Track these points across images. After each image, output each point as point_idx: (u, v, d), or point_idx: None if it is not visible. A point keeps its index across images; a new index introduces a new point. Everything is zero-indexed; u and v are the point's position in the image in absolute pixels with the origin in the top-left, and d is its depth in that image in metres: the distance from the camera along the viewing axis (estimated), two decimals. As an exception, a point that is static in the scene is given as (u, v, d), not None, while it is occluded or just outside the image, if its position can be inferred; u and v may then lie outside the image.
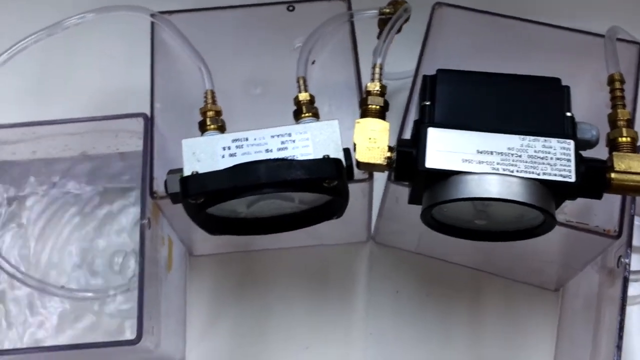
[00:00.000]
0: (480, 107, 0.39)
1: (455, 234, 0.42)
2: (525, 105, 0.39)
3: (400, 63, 0.54)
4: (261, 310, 0.56)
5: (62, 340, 0.49)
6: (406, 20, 0.48)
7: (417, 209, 0.42)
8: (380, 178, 0.47)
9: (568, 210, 0.47)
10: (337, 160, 0.38)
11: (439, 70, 0.40)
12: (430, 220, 0.41)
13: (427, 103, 0.39)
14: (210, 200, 0.38)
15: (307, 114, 0.43)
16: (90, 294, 0.46)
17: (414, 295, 0.56)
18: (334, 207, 0.43)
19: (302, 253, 0.58)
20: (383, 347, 0.54)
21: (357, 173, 0.42)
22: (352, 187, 0.41)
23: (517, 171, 0.37)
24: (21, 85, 0.61)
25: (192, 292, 0.56)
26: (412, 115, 0.46)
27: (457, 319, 0.55)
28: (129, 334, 0.47)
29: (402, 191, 0.45)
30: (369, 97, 0.41)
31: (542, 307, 0.56)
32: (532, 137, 0.38)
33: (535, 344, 0.55)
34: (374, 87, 0.41)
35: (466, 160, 0.37)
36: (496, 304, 0.56)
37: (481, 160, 0.37)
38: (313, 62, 0.47)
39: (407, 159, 0.38)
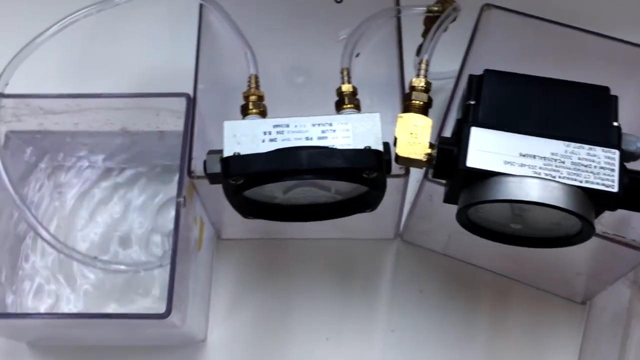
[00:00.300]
0: (525, 109, 0.39)
1: (489, 237, 0.42)
2: (572, 111, 0.39)
3: (439, 63, 0.54)
4: (284, 298, 0.56)
5: (91, 310, 0.50)
6: (453, 19, 0.47)
7: (450, 209, 0.42)
8: (413, 175, 0.47)
9: (605, 221, 0.46)
10: (379, 152, 0.38)
11: (486, 70, 0.40)
12: (465, 221, 0.41)
13: (472, 102, 0.39)
14: (249, 182, 0.38)
15: (349, 105, 0.43)
16: (122, 267, 0.47)
17: (438, 296, 0.56)
18: (369, 200, 0.43)
19: (329, 245, 0.58)
20: (404, 344, 0.54)
21: (394, 168, 0.42)
22: (388, 182, 0.41)
23: (560, 177, 0.37)
24: (68, 58, 0.62)
25: (218, 274, 0.57)
26: (453, 115, 0.46)
27: (480, 324, 0.55)
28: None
29: (437, 189, 0.45)
30: (414, 93, 0.41)
31: (567, 319, 0.55)
32: (576, 144, 0.37)
33: (557, 356, 0.54)
34: (419, 82, 0.41)
35: (508, 162, 0.37)
36: (520, 312, 0.56)
37: (523, 164, 0.37)
38: (357, 55, 0.47)
39: (447, 156, 0.38)
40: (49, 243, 0.45)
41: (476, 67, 0.45)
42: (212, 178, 0.41)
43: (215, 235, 0.58)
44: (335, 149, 0.38)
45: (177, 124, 0.50)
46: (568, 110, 0.39)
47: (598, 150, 0.37)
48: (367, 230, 0.57)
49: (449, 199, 0.41)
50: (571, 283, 0.55)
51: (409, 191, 0.49)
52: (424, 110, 0.41)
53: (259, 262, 0.58)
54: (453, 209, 0.42)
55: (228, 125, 0.41)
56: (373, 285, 0.57)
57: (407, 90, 0.42)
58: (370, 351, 0.54)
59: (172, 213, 0.54)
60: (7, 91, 0.47)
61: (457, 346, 0.55)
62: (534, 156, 0.37)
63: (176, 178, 0.56)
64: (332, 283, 0.57)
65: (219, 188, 0.43)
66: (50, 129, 0.51)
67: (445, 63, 0.53)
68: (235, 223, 0.57)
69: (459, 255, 0.57)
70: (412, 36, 0.50)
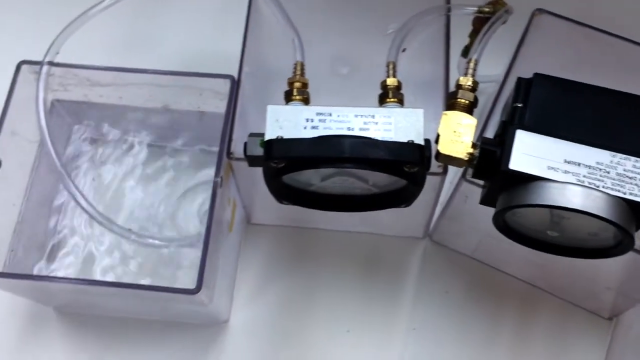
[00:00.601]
0: (573, 116, 0.38)
1: (524, 242, 0.42)
2: (620, 121, 0.38)
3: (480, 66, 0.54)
4: (308, 287, 0.56)
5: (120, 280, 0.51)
6: (504, 21, 0.47)
7: (485, 211, 0.42)
8: (448, 178, 0.46)
9: (642, 237, 0.46)
10: (422, 147, 0.38)
11: (536, 74, 0.40)
12: (502, 224, 0.41)
13: (519, 105, 0.39)
14: (290, 166, 0.38)
15: (392, 99, 0.43)
16: (156, 242, 0.48)
17: (463, 298, 0.56)
18: (405, 195, 0.43)
19: (357, 239, 0.58)
20: (424, 344, 0.54)
21: (432, 166, 0.42)
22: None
23: (603, 187, 0.36)
24: (116, 32, 0.63)
25: (245, 258, 0.57)
26: (496, 117, 0.46)
27: (503, 330, 0.55)
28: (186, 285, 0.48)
29: (473, 190, 0.44)
30: (460, 91, 0.41)
31: (592, 333, 0.54)
32: (623, 155, 0.37)
33: (579, 369, 0.54)
34: (466, 81, 0.41)
35: (552, 167, 0.37)
36: (545, 322, 0.55)
37: (567, 170, 0.37)
38: (404, 50, 0.47)
39: (490, 157, 0.38)
40: (86, 211, 0.46)
41: (522, 71, 0.45)
42: (251, 160, 0.42)
43: (246, 219, 0.58)
44: (379, 140, 0.38)
45: (218, 106, 0.51)
46: (617, 120, 0.38)
47: (645, 163, 0.37)
48: (396, 227, 0.57)
49: (486, 200, 0.41)
50: (599, 297, 0.54)
51: (443, 192, 0.49)
52: (469, 109, 0.40)
53: (286, 249, 0.58)
54: (487, 211, 0.41)
55: (271, 109, 0.41)
56: (398, 282, 0.57)
57: (452, 89, 0.42)
58: (389, 347, 0.54)
59: (204, 194, 0.56)
60: (57, 61, 0.48)
61: (478, 351, 0.54)
62: (579, 164, 0.37)
63: (211, 159, 0.57)
64: (357, 276, 0.57)
65: (254, 172, 0.44)
66: (94, 101, 0.52)
67: (487, 66, 0.53)
68: (266, 208, 0.57)
69: (487, 260, 0.56)
70: (458, 36, 0.50)
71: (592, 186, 0.36)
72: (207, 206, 0.54)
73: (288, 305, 0.56)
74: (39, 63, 0.47)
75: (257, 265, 0.57)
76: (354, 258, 0.58)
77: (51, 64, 0.48)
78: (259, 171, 0.43)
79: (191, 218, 0.55)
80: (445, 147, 0.39)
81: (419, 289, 0.56)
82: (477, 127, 0.40)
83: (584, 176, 0.37)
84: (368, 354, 0.54)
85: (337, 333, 0.55)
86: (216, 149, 0.46)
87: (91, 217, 0.46)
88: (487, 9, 0.47)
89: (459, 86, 0.41)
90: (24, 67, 0.48)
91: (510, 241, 0.42)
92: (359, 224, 0.58)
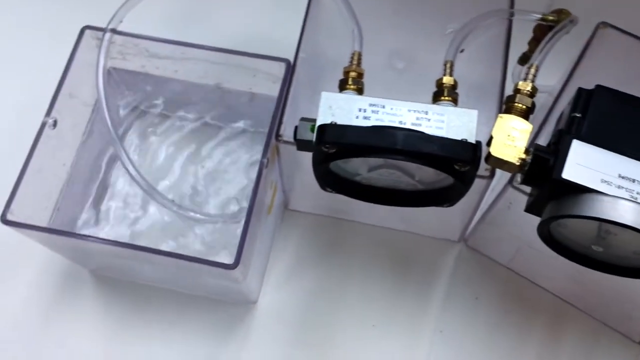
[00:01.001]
0: (632, 132, 0.38)
1: (566, 255, 0.41)
2: (681, 142, 0.37)
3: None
4: (338, 277, 0.57)
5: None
6: (567, 31, 0.46)
7: (528, 220, 0.41)
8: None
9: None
10: (475, 146, 0.38)
11: (598, 86, 0.39)
12: (546, 233, 0.40)
13: (578, 115, 0.38)
14: (341, 152, 0.38)
15: (447, 98, 0.43)
16: (198, 216, 0.48)
17: (493, 307, 0.55)
18: (450, 195, 0.43)
19: (391, 235, 0.58)
20: (450, 347, 0.54)
21: (480, 169, 0.42)
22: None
23: (657, 206, 0.36)
24: (176, 7, 0.64)
25: (279, 242, 0.58)
26: (549, 128, 0.45)
27: (530, 343, 0.54)
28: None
29: (518, 198, 0.44)
30: (518, 96, 0.40)
31: (621, 356, 0.54)
32: (681, 176, 0.36)
33: (605, 392, 0.53)
34: (526, 87, 0.41)
35: (605, 181, 0.36)
36: (573, 340, 0.54)
37: (621, 185, 0.36)
38: (462, 51, 0.46)
39: (542, 164, 0.38)
40: (133, 178, 0.47)
41: (581, 83, 0.44)
42: (300, 144, 0.42)
43: (284, 204, 0.59)
44: (433, 135, 0.38)
45: (270, 89, 0.51)
46: (677, 140, 0.38)
47: (702, 186, 0.36)
48: (433, 228, 0.57)
49: (531, 208, 0.41)
50: (633, 319, 0.53)
51: (484, 197, 0.49)
52: (526, 114, 0.40)
53: (320, 238, 0.58)
54: (530, 220, 0.41)
55: (325, 96, 0.41)
56: (429, 282, 0.56)
57: (509, 93, 0.42)
58: (414, 346, 0.54)
59: (245, 173, 0.56)
60: (119, 29, 0.49)
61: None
62: (633, 180, 0.36)
63: (258, 140, 0.58)
64: (388, 272, 0.57)
65: (299, 157, 0.44)
66: (151, 73, 0.53)
67: (540, 76, 0.52)
68: (305, 195, 0.57)
69: (522, 270, 0.56)
70: (515, 42, 0.50)
71: (646, 204, 0.36)
72: (246, 185, 0.56)
73: (316, 293, 0.56)
74: (102, 30, 0.49)
75: (290, 250, 0.58)
76: (387, 254, 0.58)
77: (114, 31, 0.49)
78: (303, 157, 0.43)
79: (232, 195, 0.55)
80: (497, 150, 0.39)
81: (449, 292, 0.56)
82: (531, 133, 0.40)
83: (638, 193, 0.36)
84: (392, 350, 0.54)
85: (362, 326, 0.55)
86: (263, 130, 0.46)
87: (137, 184, 0.47)
88: (551, 17, 0.47)
89: (517, 90, 0.41)
90: (87, 32, 0.50)
91: (549, 254, 0.42)
92: (395, 221, 0.58)
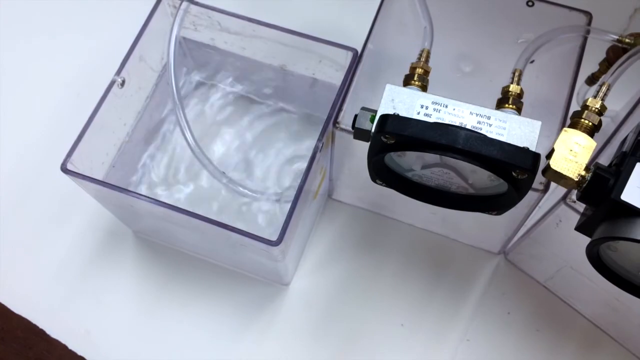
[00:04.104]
0: (699, 163, 0.37)
1: (612, 279, 0.40)
2: None
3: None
4: (372, 272, 0.57)
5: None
6: (642, 55, 0.46)
7: (575, 240, 0.41)
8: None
9: None
10: (536, 155, 0.37)
11: (670, 112, 0.38)
12: (595, 254, 0.40)
13: (646, 139, 0.38)
14: (400, 144, 0.39)
15: (511, 106, 0.43)
16: (246, 191, 0.49)
17: (525, 324, 0.55)
18: (501, 203, 0.43)
19: (431, 238, 0.58)
20: (474, 357, 0.54)
21: (535, 182, 0.41)
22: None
23: None
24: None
25: (318, 229, 0.58)
26: (612, 150, 0.44)
27: (558, 366, 0.54)
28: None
29: (569, 216, 0.44)
30: (586, 112, 0.40)
31: (651, 393, 0.53)
32: None
33: None
34: (595, 104, 0.40)
35: (664, 208, 0.36)
36: (603, 369, 0.54)
37: (681, 215, 0.35)
38: (532, 61, 0.46)
39: (601, 183, 0.37)
40: (190, 145, 0.48)
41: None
42: (358, 133, 0.42)
43: (328, 192, 0.59)
44: (495, 139, 0.38)
45: (332, 76, 0.52)
46: None
47: None
48: (474, 237, 0.57)
49: (583, 227, 0.40)
50: (668, 359, 0.52)
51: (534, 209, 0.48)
52: (591, 131, 0.40)
53: (358, 230, 0.59)
54: (578, 241, 0.40)
55: (389, 88, 0.42)
56: (462, 291, 0.56)
57: (577, 109, 0.41)
58: (439, 351, 0.54)
59: (297, 155, 0.57)
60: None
61: (528, 378, 0.53)
62: (695, 211, 0.35)
63: (310, 126, 0.58)
64: (421, 274, 0.57)
65: (353, 147, 0.45)
66: (219, 47, 0.54)
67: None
68: (350, 186, 0.58)
69: (560, 291, 0.55)
70: (586, 62, 0.49)
71: None
72: (295, 166, 0.56)
73: (348, 284, 0.56)
74: (180, -2, 0.50)
75: (328, 239, 0.58)
76: (424, 256, 0.58)
77: (191, 1, 0.50)
78: (357, 147, 0.44)
79: (280, 174, 0.56)
80: (557, 164, 0.38)
81: (482, 303, 0.56)
82: (594, 150, 0.39)
83: (698, 225, 0.35)
84: (417, 352, 0.54)
85: (390, 324, 0.55)
86: (320, 116, 0.46)
87: (193, 152, 0.48)
88: (627, 40, 0.46)
89: (585, 107, 0.40)
90: (165, 0, 0.51)
91: (590, 277, 0.42)
92: (437, 225, 0.58)
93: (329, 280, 0.57)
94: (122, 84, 0.48)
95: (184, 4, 0.50)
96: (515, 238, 0.54)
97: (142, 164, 0.56)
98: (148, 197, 0.44)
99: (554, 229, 0.47)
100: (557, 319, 0.55)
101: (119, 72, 0.48)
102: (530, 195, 0.45)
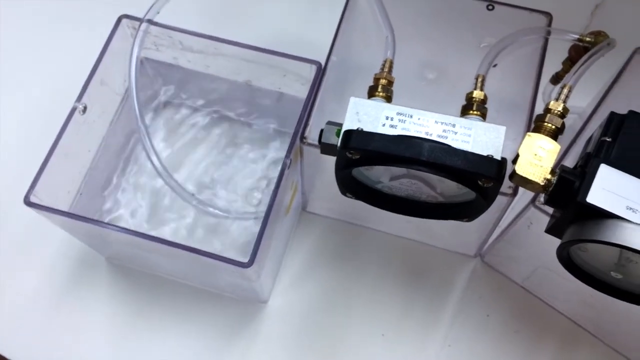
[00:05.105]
0: (663, 161, 0.37)
1: (584, 279, 0.41)
2: None
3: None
4: (350, 283, 0.56)
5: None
6: (604, 54, 0.46)
7: (547, 241, 0.41)
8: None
9: None
10: (501, 163, 0.37)
11: (631, 111, 0.39)
12: (565, 256, 0.40)
13: (608, 139, 0.38)
14: (365, 159, 0.38)
15: (475, 112, 0.43)
16: (216, 211, 0.48)
17: (504, 325, 0.55)
18: (471, 210, 0.43)
19: (407, 245, 0.58)
20: (457, 362, 0.54)
21: (503, 186, 0.41)
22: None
23: (682, 237, 0.35)
24: (211, 3, 0.64)
25: (294, 244, 0.58)
26: (577, 149, 0.45)
27: (539, 364, 0.54)
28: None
29: (539, 218, 0.44)
30: (548, 115, 0.40)
31: (632, 386, 0.53)
32: None
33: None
34: (557, 107, 0.40)
35: (630, 208, 0.36)
36: (584, 366, 0.54)
37: (646, 214, 0.36)
38: (495, 65, 0.46)
39: (567, 186, 0.37)
40: (156, 169, 0.47)
41: (613, 107, 0.44)
42: (324, 148, 0.42)
43: (302, 205, 0.59)
44: (459, 149, 0.38)
45: (298, 90, 0.52)
46: None
47: None
48: (449, 242, 0.57)
49: (552, 230, 0.40)
50: (647, 351, 0.52)
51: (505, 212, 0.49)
52: (555, 135, 0.40)
53: (335, 242, 0.58)
54: (550, 241, 0.41)
55: (353, 101, 0.41)
56: (441, 296, 0.56)
57: (540, 112, 0.41)
58: (422, 358, 0.54)
59: (266, 171, 0.56)
60: (156, 20, 0.50)
61: (510, 380, 0.54)
62: (660, 209, 0.36)
63: (279, 141, 0.58)
64: (400, 282, 0.57)
65: (321, 160, 0.44)
66: (183, 66, 0.54)
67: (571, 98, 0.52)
68: (323, 199, 0.57)
69: (537, 291, 0.55)
70: (548, 61, 0.49)
71: (671, 235, 0.35)
72: (263, 183, 0.55)
73: (328, 297, 0.56)
74: (139, 19, 0.49)
75: (305, 252, 0.58)
76: (401, 263, 0.57)
77: (150, 22, 0.49)
78: (326, 160, 0.43)
79: (250, 193, 0.56)
80: (522, 169, 0.39)
81: (461, 307, 0.56)
82: (559, 153, 0.39)
83: (664, 223, 0.35)
84: (399, 361, 0.54)
85: (371, 335, 0.55)
86: (287, 130, 0.46)
87: (160, 175, 0.47)
88: (588, 39, 0.46)
89: (548, 110, 0.40)
90: (124, 21, 0.50)
91: (566, 276, 0.42)
92: (412, 231, 0.58)
93: (307, 295, 0.56)
94: (84, 110, 0.48)
95: (143, 25, 0.49)
96: (490, 240, 0.54)
97: (110, 190, 0.55)
98: (115, 226, 0.44)
99: (526, 231, 0.47)
100: (536, 318, 0.55)
101: (79, 98, 0.47)
102: (500, 200, 0.45)
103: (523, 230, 0.47)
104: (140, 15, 0.49)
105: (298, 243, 0.58)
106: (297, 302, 0.56)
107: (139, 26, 0.49)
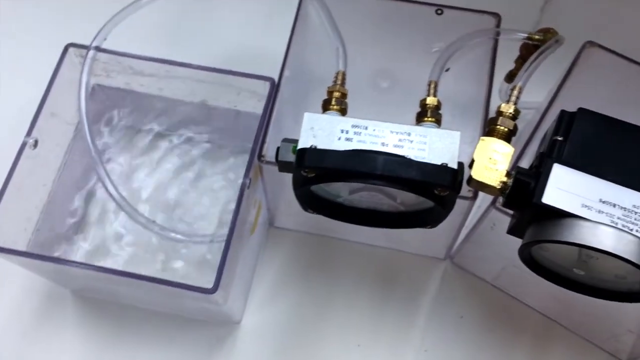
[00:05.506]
0: (614, 156, 0.38)
1: (548, 277, 0.41)
2: (663, 167, 0.37)
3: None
4: (323, 296, 0.56)
5: (138, 270, 0.51)
6: (553, 51, 0.46)
7: (511, 240, 0.41)
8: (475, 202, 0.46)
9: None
10: (455, 171, 0.37)
11: (580, 109, 0.39)
12: (527, 256, 0.40)
13: (560, 139, 0.38)
14: (321, 177, 0.38)
15: (430, 119, 0.43)
16: (178, 236, 0.48)
17: (478, 325, 0.55)
18: (432, 217, 0.43)
19: (377, 253, 0.58)
20: (434, 367, 0.54)
21: (463, 190, 0.41)
22: (455, 202, 0.41)
23: (637, 231, 0.35)
24: (162, 23, 0.64)
25: (264, 260, 0.57)
26: (534, 147, 0.45)
27: (515, 362, 0.54)
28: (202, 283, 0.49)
29: (501, 218, 0.44)
30: (500, 118, 0.40)
31: (608, 375, 0.53)
32: (661, 201, 0.36)
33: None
34: (508, 109, 0.40)
35: (585, 206, 0.36)
36: (560, 358, 0.54)
37: (601, 210, 0.36)
38: (447, 70, 0.46)
39: (523, 188, 0.38)
40: (114, 199, 0.46)
41: (566, 103, 0.44)
42: (282, 166, 0.42)
43: (269, 221, 0.58)
44: (413, 160, 0.38)
45: (255, 106, 0.51)
46: (659, 165, 0.37)
47: (683, 211, 0.36)
48: (418, 246, 0.57)
49: (513, 231, 0.40)
50: (619, 339, 0.53)
51: (469, 215, 0.49)
52: (508, 137, 0.40)
53: (305, 255, 0.58)
54: (514, 240, 0.41)
55: (308, 117, 0.41)
56: (414, 301, 0.56)
57: (493, 114, 0.42)
58: (399, 366, 0.54)
59: (229, 192, 0.56)
60: (103, 46, 0.49)
61: (488, 380, 0.54)
62: (614, 205, 0.36)
63: (241, 158, 0.57)
64: (373, 291, 0.57)
65: (283, 176, 0.44)
66: (136, 90, 0.53)
67: (528, 93, 0.52)
68: (290, 213, 0.57)
69: (508, 288, 0.55)
70: (503, 60, 0.50)
71: (626, 229, 0.35)
72: (230, 204, 0.55)
73: (302, 312, 0.56)
74: (86, 47, 0.48)
75: (275, 269, 0.57)
76: (373, 272, 0.57)
77: (98, 49, 0.48)
78: (287, 176, 0.43)
79: (215, 214, 0.55)
80: (478, 174, 0.39)
81: (434, 311, 0.56)
82: (513, 155, 0.40)
83: (619, 218, 0.36)
84: (377, 370, 0.54)
85: (347, 346, 0.54)
86: (247, 147, 0.46)
87: (118, 205, 0.46)
88: (537, 37, 0.47)
89: (499, 113, 0.41)
90: (71, 50, 0.49)
91: (532, 274, 0.42)
92: (381, 239, 0.58)
93: (281, 311, 0.56)
94: (35, 144, 0.46)
95: (91, 52, 0.48)
96: (458, 242, 0.54)
97: (69, 222, 0.54)
98: (73, 262, 0.43)
99: (490, 232, 0.47)
100: (510, 315, 0.55)
101: (29, 133, 0.46)
102: (461, 204, 0.45)
103: (487, 231, 0.47)
104: (87, 42, 0.49)
105: (268, 259, 0.57)
106: (271, 319, 0.55)
107: (87, 54, 0.48)
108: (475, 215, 0.49)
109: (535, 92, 0.50)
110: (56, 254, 0.51)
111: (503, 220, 0.43)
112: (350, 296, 0.56)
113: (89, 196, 0.55)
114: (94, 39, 0.48)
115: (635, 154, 0.37)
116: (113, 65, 0.50)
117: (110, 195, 0.46)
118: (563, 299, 0.51)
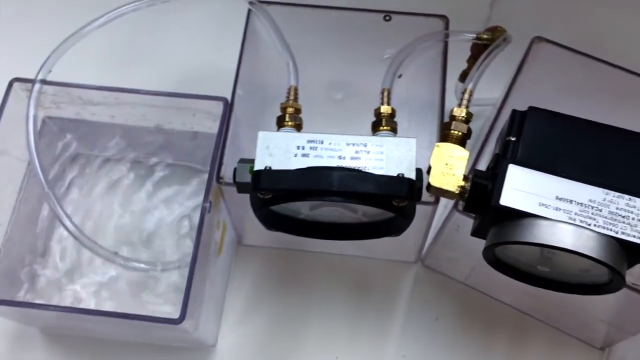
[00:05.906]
0: (567, 152, 0.38)
1: (514, 276, 0.41)
2: (615, 159, 0.37)
3: (478, 89, 0.53)
4: (298, 310, 0.56)
5: (103, 307, 0.50)
6: (502, 49, 0.46)
7: (477, 242, 0.41)
8: (441, 202, 0.46)
9: (636, 272, 0.45)
10: (411, 181, 0.37)
11: (530, 107, 0.39)
12: (492, 258, 0.40)
13: (512, 139, 0.38)
14: (278, 198, 0.38)
15: (385, 128, 0.42)
16: (142, 265, 0.47)
17: (454, 325, 0.55)
18: (396, 226, 0.42)
19: (348, 262, 0.57)
20: (414, 372, 0.54)
21: (424, 195, 0.41)
22: (416, 208, 0.41)
23: (595, 225, 0.35)
24: (110, 50, 0.62)
25: (235, 280, 0.56)
26: (490, 146, 0.45)
27: (494, 359, 0.54)
28: (171, 311, 0.48)
29: (465, 221, 0.44)
30: (453, 122, 0.40)
31: (584, 363, 0.54)
32: (616, 193, 0.36)
33: (571, 400, 0.53)
34: (460, 112, 0.40)
35: (543, 204, 0.36)
36: (537, 351, 0.54)
37: (559, 207, 0.36)
38: (400, 76, 0.46)
39: (481, 191, 0.37)
40: (72, 234, 0.45)
41: (519, 99, 0.44)
42: (240, 187, 0.41)
43: (236, 240, 0.58)
44: (368, 173, 0.37)
45: (211, 127, 0.51)
46: (612, 157, 0.37)
47: (638, 202, 0.36)
48: (388, 252, 0.57)
49: (477, 233, 0.40)
50: (592, 328, 0.53)
51: (435, 217, 0.49)
52: (462, 141, 0.40)
53: (276, 271, 0.57)
54: (479, 241, 0.41)
55: (262, 136, 0.40)
56: (388, 307, 0.56)
57: (447, 119, 0.41)
58: (379, 374, 0.54)
59: (194, 215, 0.55)
60: (49, 78, 0.47)
61: (468, 379, 0.54)
62: (571, 201, 0.36)
63: (201, 181, 0.56)
64: (347, 300, 0.56)
65: (245, 196, 0.43)
66: (87, 119, 0.52)
67: (485, 89, 0.52)
68: (257, 230, 0.56)
69: (480, 286, 0.56)
70: (456, 60, 0.50)
71: (584, 224, 0.35)
72: (191, 227, 0.54)
73: (277, 329, 0.55)
74: (31, 81, 0.47)
75: (247, 287, 0.56)
76: (345, 281, 0.57)
77: (43, 82, 0.47)
78: (248, 195, 0.43)
79: (180, 239, 0.54)
80: (436, 180, 0.39)
81: (409, 315, 0.55)
82: (470, 157, 0.40)
83: (576, 214, 0.36)
84: (357, 380, 0.54)
85: (326, 359, 0.54)
86: (207, 169, 0.45)
87: (77, 239, 0.45)
88: (485, 36, 0.47)
89: (452, 117, 0.40)
90: (16, 85, 0.48)
91: (502, 271, 0.42)
92: (350, 248, 0.57)
93: (256, 330, 0.55)
94: (-15, 185, 0.45)
95: (37, 85, 0.47)
96: (427, 244, 0.54)
97: (29, 261, 0.52)
98: (33, 304, 0.42)
99: (455, 234, 0.47)
100: (484, 313, 0.56)
101: (-22, 174, 0.45)
102: (424, 209, 0.45)
103: (452, 233, 0.48)
104: (32, 75, 0.47)
105: (239, 278, 0.57)
106: (247, 339, 0.55)
107: (32, 87, 0.47)
108: (443, 216, 0.49)
109: (493, 89, 0.50)
110: (19, 294, 0.50)
111: (467, 221, 0.43)
112: (325, 308, 0.56)
113: (49, 231, 0.54)
114: (39, 71, 0.47)
115: (588, 148, 0.38)
116: (62, 97, 0.49)
117: (68, 230, 0.45)
118: (534, 293, 0.51)
